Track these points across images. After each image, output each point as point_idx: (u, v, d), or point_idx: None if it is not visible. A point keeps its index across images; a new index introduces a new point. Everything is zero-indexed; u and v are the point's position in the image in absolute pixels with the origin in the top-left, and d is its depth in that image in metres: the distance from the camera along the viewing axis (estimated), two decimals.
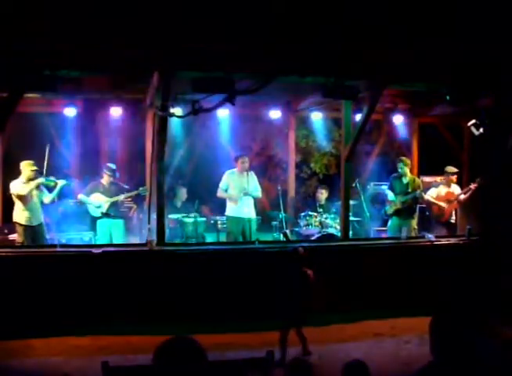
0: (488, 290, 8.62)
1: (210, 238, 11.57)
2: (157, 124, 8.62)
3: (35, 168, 9.41)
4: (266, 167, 14.54)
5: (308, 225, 11.31)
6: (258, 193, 10.83)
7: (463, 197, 10.91)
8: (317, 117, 12.74)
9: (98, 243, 10.04)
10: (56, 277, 7.87)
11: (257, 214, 11.14)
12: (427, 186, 11.39)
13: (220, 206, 11.39)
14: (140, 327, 7.69)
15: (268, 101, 11.63)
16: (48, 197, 9.65)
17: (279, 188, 11.55)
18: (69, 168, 11.61)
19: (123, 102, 10.80)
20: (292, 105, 12.38)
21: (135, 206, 11.20)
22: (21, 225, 9.40)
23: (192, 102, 8.06)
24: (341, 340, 7.68)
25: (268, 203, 13.42)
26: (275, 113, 12.13)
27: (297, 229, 11.68)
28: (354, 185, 11.26)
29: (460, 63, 8.57)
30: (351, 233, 10.24)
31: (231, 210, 10.65)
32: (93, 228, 10.51)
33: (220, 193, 10.70)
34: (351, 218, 10.84)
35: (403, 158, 11.23)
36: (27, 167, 9.36)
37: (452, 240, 9.81)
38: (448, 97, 9.14)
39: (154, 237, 8.55)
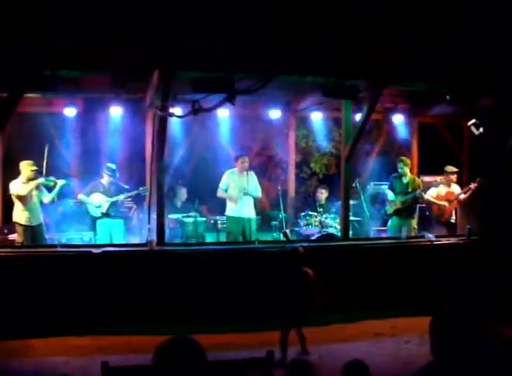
0: (488, 290, 8.62)
1: (210, 238, 11.57)
2: (157, 124, 8.62)
3: (35, 167, 9.41)
4: (266, 167, 14.55)
5: (308, 225, 11.31)
6: (258, 193, 10.83)
7: (463, 196, 10.92)
8: (317, 117, 12.74)
9: (98, 243, 10.04)
10: (56, 277, 7.87)
11: (257, 214, 11.14)
12: (427, 186, 11.40)
13: (219, 206, 11.39)
14: (140, 327, 7.69)
15: (268, 101, 11.62)
16: (47, 197, 9.66)
17: (279, 188, 11.55)
18: (69, 167, 11.60)
19: (123, 102, 10.79)
20: (292, 105, 12.37)
21: (135, 206, 11.20)
22: (21, 225, 9.40)
23: (192, 102, 8.06)
24: (341, 340, 7.67)
25: (268, 203, 13.42)
26: (275, 113, 12.12)
27: (297, 228, 11.68)
28: (354, 185, 11.27)
29: (460, 63, 8.57)
30: (351, 232, 10.24)
31: (231, 210, 10.65)
32: (93, 228, 10.51)
33: (220, 193, 10.70)
34: (351, 218, 10.85)
35: (403, 158, 11.23)
36: (26, 167, 9.36)
37: (452, 240, 9.81)
38: (448, 97, 9.14)
39: (154, 237, 8.55)
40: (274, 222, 11.95)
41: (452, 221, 11.22)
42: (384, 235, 11.31)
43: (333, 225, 11.25)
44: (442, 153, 12.65)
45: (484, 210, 10.29)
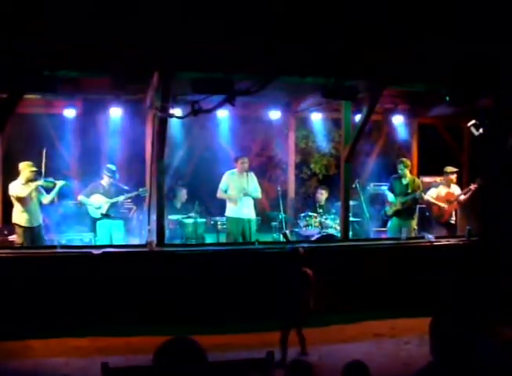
0: (487, 290, 8.61)
1: (210, 239, 11.57)
2: (157, 124, 8.62)
3: (34, 168, 9.40)
4: (266, 167, 14.54)
5: (307, 225, 11.31)
6: (258, 194, 10.83)
7: (463, 197, 10.91)
8: (317, 118, 12.74)
9: (98, 244, 10.03)
10: (56, 278, 7.86)
11: (257, 214, 11.14)
12: (427, 187, 11.39)
13: (219, 206, 11.39)
14: (140, 327, 7.68)
15: (267, 102, 11.61)
16: (46, 198, 9.65)
17: (279, 189, 11.55)
18: (68, 169, 11.61)
19: (123, 103, 10.78)
20: (292, 106, 12.37)
21: (134, 207, 11.19)
22: (21, 226, 9.39)
23: (192, 103, 8.05)
24: (341, 340, 7.67)
25: (268, 203, 13.41)
26: (274, 114, 12.11)
27: (296, 229, 11.68)
28: (354, 185, 11.26)
29: (460, 63, 8.57)
30: (350, 233, 10.24)
31: (231, 211, 10.65)
32: (93, 229, 10.51)
33: (220, 194, 10.70)
34: (351, 219, 10.84)
35: (403, 159, 11.22)
36: (26, 168, 9.35)
37: (452, 241, 9.81)
38: (447, 98, 9.14)
39: (154, 238, 8.55)
40: (274, 223, 11.95)
41: (452, 222, 11.21)
42: (383, 236, 11.30)
43: (333, 226, 11.25)
44: (442, 153, 12.65)
45: (484, 210, 10.29)
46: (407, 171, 11.02)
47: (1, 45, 7.24)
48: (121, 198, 10.38)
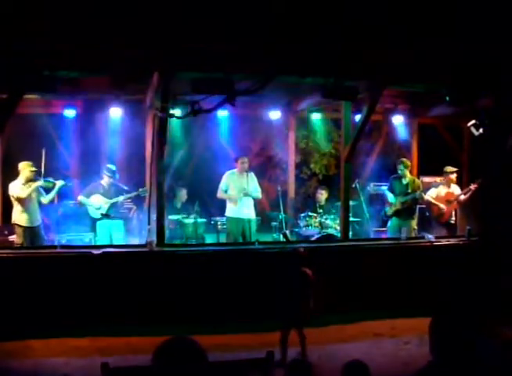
0: (487, 290, 8.61)
1: (210, 239, 11.58)
2: (157, 125, 8.62)
3: (34, 168, 9.41)
4: (266, 167, 14.53)
5: (307, 225, 11.31)
6: (258, 194, 10.82)
7: (463, 197, 10.91)
8: (317, 118, 12.75)
9: (98, 244, 10.03)
10: (56, 278, 7.87)
11: (257, 214, 11.14)
12: (427, 187, 11.39)
13: (219, 207, 11.40)
14: (140, 327, 7.68)
15: (267, 102, 11.62)
16: (46, 199, 9.66)
17: (279, 189, 11.54)
18: (68, 169, 11.61)
19: (122, 103, 10.79)
20: (292, 105, 12.37)
21: (134, 207, 11.19)
22: (21, 226, 9.39)
23: (192, 103, 8.05)
24: (341, 340, 7.68)
25: (268, 203, 13.42)
26: (274, 114, 12.12)
27: (296, 229, 11.69)
28: (353, 185, 11.26)
29: (460, 63, 8.57)
30: (350, 233, 10.25)
31: (231, 211, 10.65)
32: (93, 229, 10.51)
33: (220, 194, 10.70)
34: (351, 219, 10.84)
35: (403, 160, 11.22)
36: (25, 167, 9.35)
37: (452, 241, 9.80)
38: (447, 98, 9.14)
39: (154, 238, 8.55)
40: (274, 223, 11.96)
41: (452, 222, 11.21)
42: (383, 236, 11.30)
43: (333, 226, 11.26)
44: (442, 153, 12.64)
45: (484, 210, 10.29)
46: (407, 172, 11.02)
47: (1, 45, 7.24)
48: (121, 198, 10.38)
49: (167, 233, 9.41)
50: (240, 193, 10.52)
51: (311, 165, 14.91)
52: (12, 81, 7.58)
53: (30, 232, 9.45)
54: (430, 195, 11.06)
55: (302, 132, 14.18)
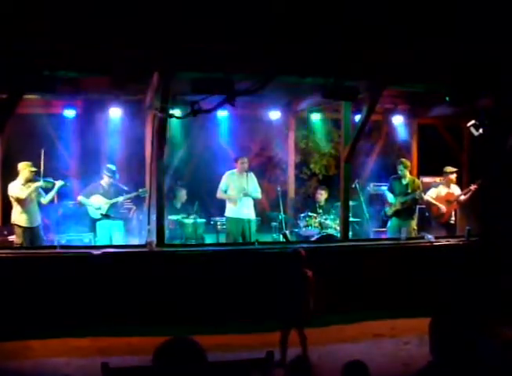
0: (487, 290, 8.61)
1: (209, 239, 11.58)
2: (157, 125, 8.61)
3: (34, 169, 9.40)
4: (266, 168, 14.52)
5: (307, 226, 11.31)
6: (258, 194, 10.82)
7: (463, 198, 10.91)
8: (317, 118, 12.75)
9: (98, 244, 10.02)
10: (56, 278, 7.86)
11: (257, 215, 11.14)
12: (427, 187, 11.39)
13: (219, 207, 11.39)
14: (140, 328, 7.67)
15: (267, 102, 11.62)
16: (45, 199, 9.66)
17: (279, 189, 11.55)
18: (68, 169, 11.60)
19: (122, 103, 10.79)
20: (292, 106, 12.37)
21: (134, 207, 11.19)
22: (20, 227, 9.39)
23: (192, 103, 8.04)
24: (341, 340, 7.68)
25: (268, 204, 13.41)
26: (274, 114, 12.13)
27: (296, 229, 11.68)
28: (353, 186, 11.26)
29: (460, 63, 8.57)
30: (350, 233, 10.24)
31: (230, 211, 10.64)
32: (93, 229, 10.50)
33: (220, 194, 10.70)
34: (351, 219, 10.84)
35: (403, 160, 11.20)
36: (25, 168, 9.35)
37: (452, 241, 9.80)
38: (447, 98, 9.14)
39: (154, 238, 8.55)
40: (274, 223, 11.96)
41: (452, 222, 11.21)
42: (383, 236, 11.30)
43: (333, 226, 11.26)
44: (442, 154, 12.64)
45: (485, 210, 10.29)
46: (407, 172, 11.01)
47: (1, 45, 7.24)
48: (121, 199, 10.37)
49: (166, 233, 9.41)
50: (240, 194, 10.51)
51: (311, 165, 14.90)
52: (12, 81, 7.58)
53: (30, 232, 9.45)
54: (430, 195, 11.06)
55: (302, 132, 14.18)
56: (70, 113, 11.04)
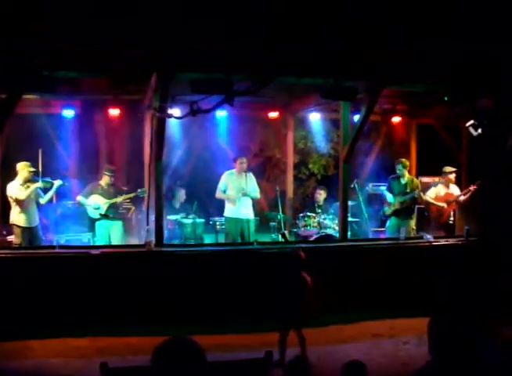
0: (487, 290, 8.62)
1: (208, 239, 11.58)
2: (155, 125, 8.61)
3: (32, 169, 9.39)
4: (265, 168, 14.55)
5: (306, 226, 11.31)
6: (257, 194, 10.83)
7: (462, 198, 10.92)
8: (315, 118, 12.76)
9: (96, 244, 10.02)
10: (55, 278, 7.85)
11: (256, 215, 11.15)
12: (426, 187, 11.41)
13: (218, 207, 11.40)
14: (139, 328, 7.66)
15: (266, 102, 11.62)
16: (44, 199, 9.65)
17: (278, 189, 11.56)
18: (67, 169, 11.60)
19: (121, 103, 10.80)
20: (291, 106, 12.37)
21: (133, 207, 11.18)
22: (19, 227, 9.39)
23: (191, 103, 8.04)
24: (340, 341, 7.67)
25: (267, 204, 13.43)
26: (273, 114, 12.13)
27: (295, 229, 11.69)
28: (352, 186, 11.27)
29: (460, 63, 8.57)
30: (349, 233, 10.24)
31: (229, 211, 10.65)
32: (92, 229, 10.51)
33: (218, 194, 10.70)
34: (350, 219, 10.85)
35: (402, 160, 11.21)
36: (23, 168, 9.35)
37: (451, 241, 9.80)
38: (446, 98, 9.14)
39: (153, 238, 8.55)
40: (272, 223, 11.97)
41: (451, 222, 11.22)
42: (382, 236, 11.31)
43: (332, 226, 11.26)
44: (441, 154, 12.64)
45: (484, 210, 10.29)
46: (406, 172, 11.02)
47: (1, 45, 7.23)
48: (120, 199, 10.36)
49: (165, 233, 9.40)
50: (239, 194, 10.52)
51: (310, 165, 14.92)
52: (12, 81, 7.58)
53: (29, 232, 9.45)
54: (429, 195, 11.07)
55: (301, 133, 14.20)
56: (69, 113, 11.05)
